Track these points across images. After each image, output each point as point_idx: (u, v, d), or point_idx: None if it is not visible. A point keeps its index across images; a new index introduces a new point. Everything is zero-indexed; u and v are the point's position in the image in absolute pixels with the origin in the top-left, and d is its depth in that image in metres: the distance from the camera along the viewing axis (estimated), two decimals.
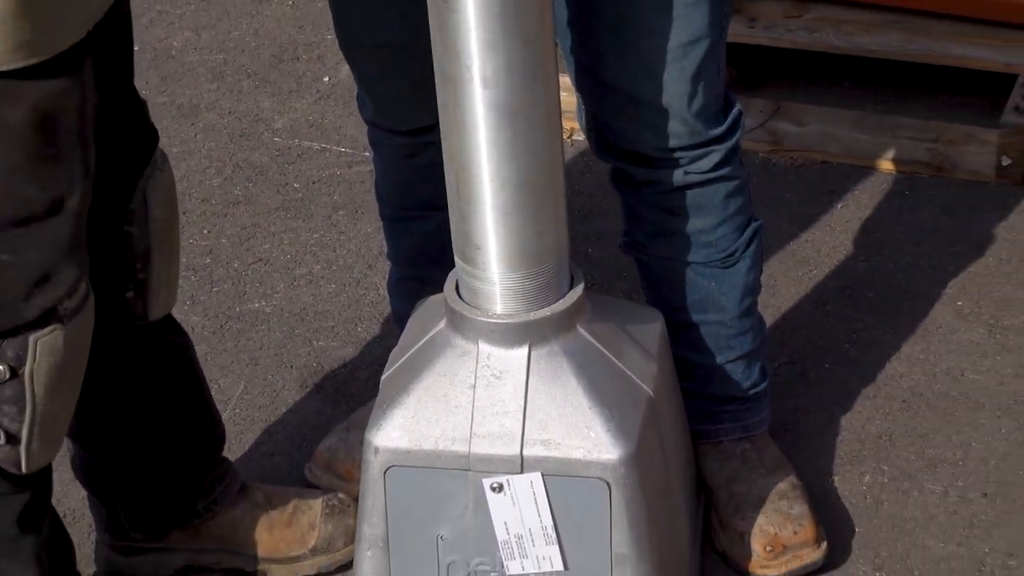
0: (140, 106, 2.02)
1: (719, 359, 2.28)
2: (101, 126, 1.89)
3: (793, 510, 2.25)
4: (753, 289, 2.27)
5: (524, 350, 1.94)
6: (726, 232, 2.20)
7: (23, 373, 1.82)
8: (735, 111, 2.15)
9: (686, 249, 2.20)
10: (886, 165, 2.97)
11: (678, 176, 2.14)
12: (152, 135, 2.03)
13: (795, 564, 2.23)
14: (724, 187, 2.17)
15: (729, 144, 2.14)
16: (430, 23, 1.83)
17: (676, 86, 2.06)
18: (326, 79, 3.28)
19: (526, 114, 1.84)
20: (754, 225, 2.24)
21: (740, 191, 2.19)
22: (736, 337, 2.28)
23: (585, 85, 2.14)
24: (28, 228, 1.76)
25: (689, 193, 2.16)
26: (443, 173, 1.94)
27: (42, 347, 1.82)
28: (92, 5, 1.75)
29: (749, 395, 2.31)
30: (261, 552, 2.26)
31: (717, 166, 2.14)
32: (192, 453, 2.22)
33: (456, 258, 1.97)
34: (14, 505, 1.95)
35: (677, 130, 2.09)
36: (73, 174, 1.77)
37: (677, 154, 2.12)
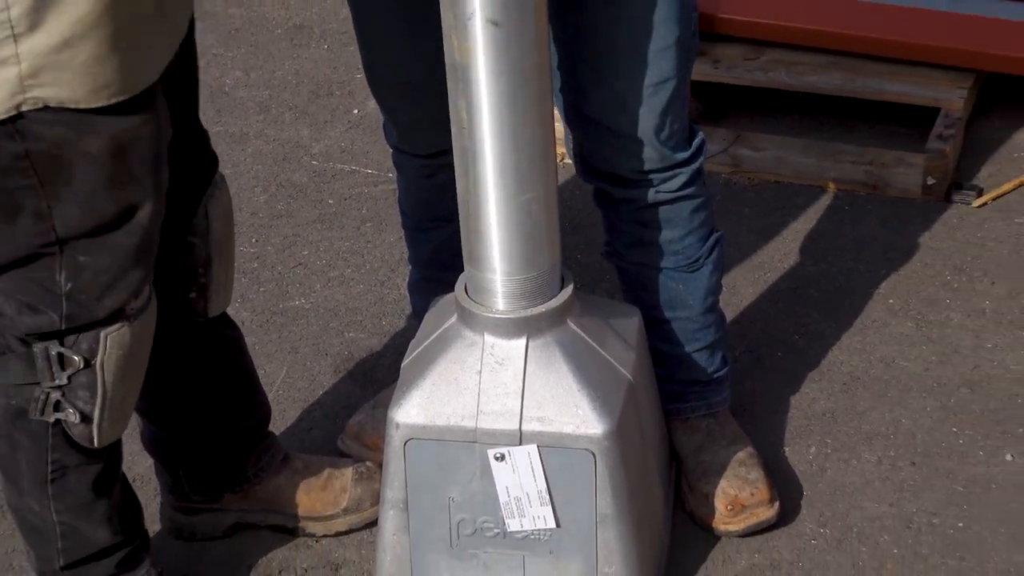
0: (203, 136, 2.02)
1: (687, 348, 2.28)
2: (171, 152, 1.89)
3: (750, 475, 2.25)
4: (715, 290, 2.27)
5: (523, 341, 1.95)
6: (692, 242, 2.20)
7: (95, 363, 1.83)
8: (698, 139, 2.15)
9: (658, 256, 2.21)
10: (829, 184, 2.98)
11: (650, 195, 2.14)
12: (213, 160, 2.03)
13: (752, 520, 2.23)
14: (689, 204, 2.17)
15: (693, 167, 2.14)
16: (446, 65, 1.84)
17: (647, 120, 2.06)
18: (355, 112, 3.28)
19: (526, 142, 1.85)
20: (716, 235, 2.24)
21: (703, 207, 2.19)
22: (701, 330, 2.28)
23: (571, 117, 2.14)
24: (102, 237, 1.76)
25: (660, 209, 2.16)
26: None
27: (112, 341, 1.83)
28: (163, 52, 1.75)
29: (712, 379, 2.31)
30: (300, 512, 2.26)
31: (683, 186, 2.14)
32: (242, 428, 2.23)
33: (465, 263, 1.97)
34: (88, 474, 1.96)
35: (648, 156, 2.09)
36: (145, 193, 1.77)
37: (649, 176, 2.12)
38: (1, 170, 1.70)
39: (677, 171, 2.13)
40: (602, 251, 2.33)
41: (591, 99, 2.07)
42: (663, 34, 2.00)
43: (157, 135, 1.76)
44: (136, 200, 1.77)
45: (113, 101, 1.67)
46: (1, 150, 1.68)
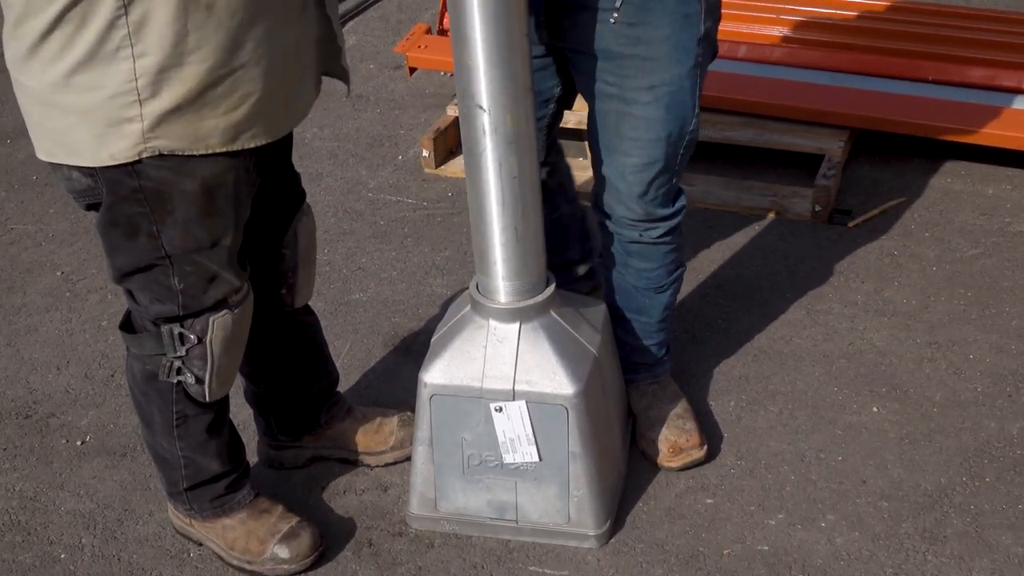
0: (295, 176, 2.02)
1: (643, 341, 2.26)
2: (270, 189, 1.89)
3: (686, 426, 2.24)
4: (671, 306, 2.25)
5: (517, 325, 1.96)
6: (661, 273, 2.18)
7: (206, 340, 1.84)
8: (680, 202, 2.11)
9: (635, 278, 2.18)
10: (744, 210, 2.96)
11: (636, 237, 2.11)
12: (302, 194, 2.03)
13: (687, 459, 2.22)
14: (664, 248, 2.14)
15: (672, 223, 2.11)
16: (460, 129, 1.84)
17: (637, 186, 2.03)
18: (400, 158, 3.27)
19: (521, 183, 1.86)
20: (680, 270, 2.21)
21: (675, 251, 2.16)
22: (655, 332, 2.26)
23: (595, 170, 2.11)
24: (199, 254, 1.77)
25: (642, 247, 2.13)
26: None
27: (217, 324, 1.83)
28: (257, 136, 1.72)
29: (659, 359, 2.29)
30: (359, 448, 2.26)
31: (662, 236, 2.11)
32: (317, 388, 2.22)
33: (476, 270, 1.98)
34: (203, 421, 1.97)
35: (635, 209, 2.07)
36: (227, 224, 1.77)
37: (636, 223, 2.09)
38: (122, 199, 1.71)
39: (658, 224, 2.09)
40: (596, 262, 2.31)
41: (604, 162, 2.05)
42: (656, 129, 1.97)
43: (237, 181, 1.75)
44: (221, 229, 1.76)
45: (209, 152, 1.68)
46: (123, 185, 1.69)
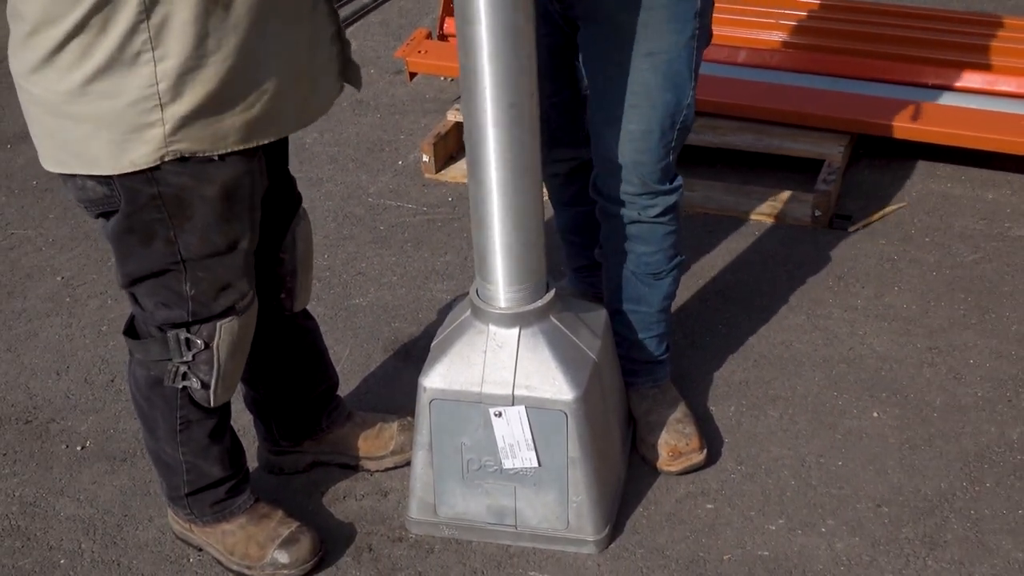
0: (292, 181, 2.02)
1: (640, 335, 2.26)
2: (268, 194, 1.90)
3: (686, 430, 2.24)
4: (670, 296, 2.25)
5: (516, 330, 1.96)
6: (660, 258, 2.18)
7: (213, 346, 1.84)
8: (677, 181, 2.13)
9: (633, 263, 2.18)
10: (744, 215, 2.96)
11: (634, 216, 2.11)
12: (298, 199, 2.03)
13: (687, 463, 2.22)
14: (663, 229, 2.14)
15: (670, 200, 2.11)
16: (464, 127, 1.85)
17: (634, 155, 2.04)
18: (400, 163, 3.28)
19: (523, 187, 1.87)
20: (679, 258, 2.22)
21: (674, 234, 2.17)
22: (655, 323, 2.26)
23: (594, 150, 2.12)
24: (214, 259, 1.77)
25: (640, 227, 2.13)
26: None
27: (224, 330, 1.84)
28: (267, 134, 1.74)
29: (658, 359, 2.29)
30: (359, 453, 2.26)
31: (660, 215, 2.11)
32: (317, 393, 2.23)
33: (477, 275, 1.98)
34: (206, 426, 1.97)
35: (633, 182, 2.07)
36: (244, 227, 1.78)
37: (633, 199, 2.09)
38: (141, 207, 1.71)
39: (656, 199, 2.09)
40: (595, 252, 2.32)
41: (602, 137, 2.06)
42: (654, 96, 1.99)
43: (253, 184, 1.76)
44: (238, 233, 1.77)
45: (229, 150, 1.68)
46: (141, 192, 1.69)
